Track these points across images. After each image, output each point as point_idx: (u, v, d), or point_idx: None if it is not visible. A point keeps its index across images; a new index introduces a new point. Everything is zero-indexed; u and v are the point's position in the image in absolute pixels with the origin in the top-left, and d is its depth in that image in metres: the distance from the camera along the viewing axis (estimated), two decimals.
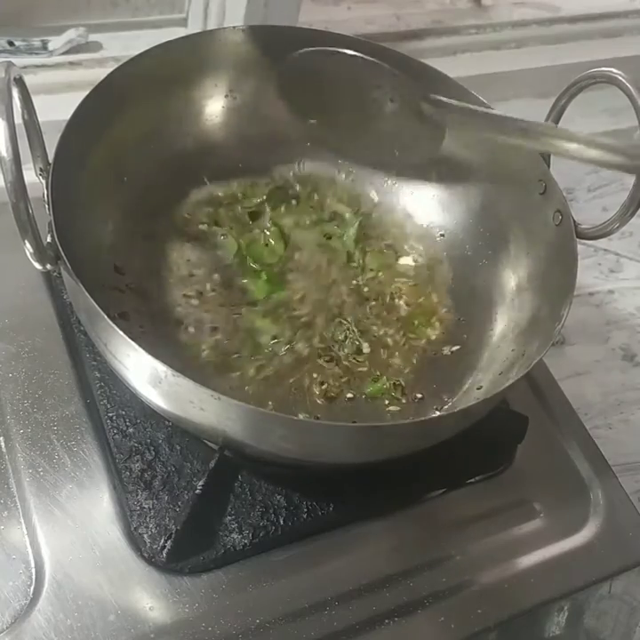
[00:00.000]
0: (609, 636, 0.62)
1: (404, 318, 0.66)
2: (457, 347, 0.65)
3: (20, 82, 0.48)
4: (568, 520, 0.63)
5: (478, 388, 0.61)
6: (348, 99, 0.68)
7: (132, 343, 0.45)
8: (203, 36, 0.65)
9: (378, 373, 0.63)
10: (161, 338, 0.61)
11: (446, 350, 0.65)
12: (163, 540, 0.54)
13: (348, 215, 0.71)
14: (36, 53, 0.79)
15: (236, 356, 0.61)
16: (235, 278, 0.66)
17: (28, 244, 0.45)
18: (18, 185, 0.43)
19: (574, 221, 0.58)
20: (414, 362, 0.64)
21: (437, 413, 0.61)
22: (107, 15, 0.83)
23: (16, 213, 0.44)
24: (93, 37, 0.82)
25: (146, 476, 0.57)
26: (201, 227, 0.68)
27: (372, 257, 0.70)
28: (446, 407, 0.62)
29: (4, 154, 0.43)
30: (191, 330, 0.62)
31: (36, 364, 0.60)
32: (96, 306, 0.46)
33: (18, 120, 0.45)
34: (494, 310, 0.65)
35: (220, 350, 0.61)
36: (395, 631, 0.54)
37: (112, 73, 0.58)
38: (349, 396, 0.61)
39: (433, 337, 0.66)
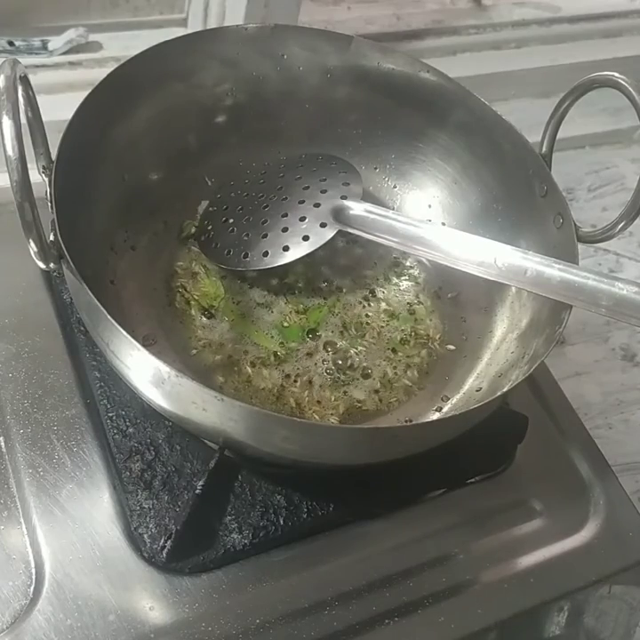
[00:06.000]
0: (609, 637, 0.63)
1: (404, 320, 0.66)
2: (456, 348, 0.65)
3: (24, 80, 0.48)
4: (568, 520, 0.63)
5: (477, 390, 0.61)
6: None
7: (135, 343, 0.45)
8: (203, 35, 0.65)
9: (377, 375, 0.63)
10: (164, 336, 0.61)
11: (446, 352, 0.65)
12: (163, 540, 0.54)
13: None
14: (36, 53, 0.79)
15: (240, 356, 0.61)
16: (242, 281, 0.66)
17: (32, 244, 0.45)
18: (23, 184, 0.43)
19: (575, 224, 0.58)
20: (414, 363, 0.64)
21: (437, 416, 0.61)
22: (107, 15, 0.83)
23: (21, 213, 0.44)
24: (93, 37, 0.82)
25: (146, 475, 0.56)
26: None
27: None
28: (446, 409, 0.62)
29: (11, 153, 0.43)
30: (195, 327, 0.62)
31: (36, 364, 0.60)
32: (99, 305, 0.46)
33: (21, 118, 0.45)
34: (494, 312, 0.65)
35: (225, 351, 0.61)
36: (395, 631, 0.54)
37: (113, 72, 0.58)
38: (352, 397, 0.61)
39: (433, 339, 0.66)
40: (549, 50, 1.11)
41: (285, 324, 0.64)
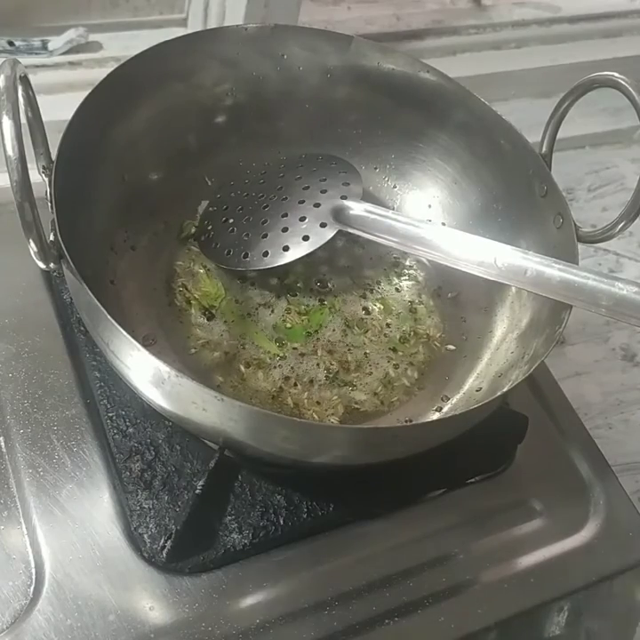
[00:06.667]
0: (609, 637, 0.63)
1: (404, 319, 0.66)
2: (456, 348, 0.65)
3: (24, 80, 0.48)
4: (568, 520, 0.63)
5: (477, 390, 0.61)
6: None
7: (135, 343, 0.45)
8: (203, 35, 0.65)
9: (378, 375, 0.63)
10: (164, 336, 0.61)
11: (446, 352, 0.65)
12: (163, 540, 0.54)
13: None
14: (37, 53, 0.79)
15: (239, 356, 0.61)
16: (242, 281, 0.66)
17: (32, 244, 0.45)
18: (23, 184, 0.43)
19: (575, 224, 0.58)
20: (414, 363, 0.64)
21: (437, 416, 0.61)
22: (107, 15, 0.83)
23: (21, 213, 0.44)
24: (93, 37, 0.82)
25: (146, 475, 0.56)
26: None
27: None
28: (446, 409, 0.62)
29: (11, 153, 0.43)
30: (195, 327, 0.62)
31: (36, 364, 0.60)
32: (99, 305, 0.46)
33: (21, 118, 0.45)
34: (494, 312, 0.65)
35: (225, 351, 0.61)
36: (395, 631, 0.54)
37: (113, 72, 0.58)
38: (351, 397, 0.61)
39: (433, 338, 0.66)
40: (549, 50, 1.11)
41: (288, 325, 0.64)
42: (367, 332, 0.65)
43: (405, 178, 0.72)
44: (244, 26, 0.65)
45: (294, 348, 0.63)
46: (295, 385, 0.61)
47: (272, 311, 0.64)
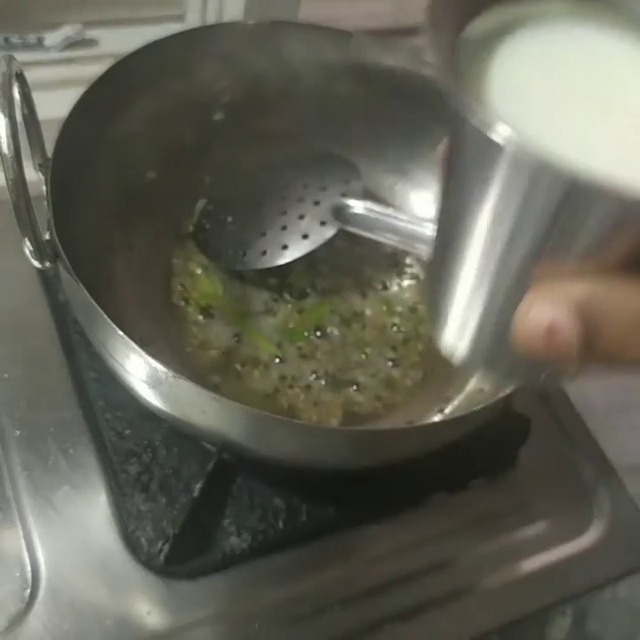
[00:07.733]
0: None
1: (406, 319, 0.66)
2: None
3: (20, 76, 0.47)
4: (571, 523, 0.62)
5: (480, 391, 0.60)
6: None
7: (132, 343, 0.44)
8: (201, 31, 0.64)
9: (378, 376, 0.62)
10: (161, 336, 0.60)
11: None
12: (160, 544, 0.53)
13: None
14: (32, 50, 0.79)
15: (236, 356, 0.61)
16: (240, 280, 0.65)
17: (27, 242, 0.45)
18: (19, 182, 0.43)
19: None
20: (415, 364, 0.63)
21: (439, 417, 0.60)
22: (103, 11, 0.82)
23: (17, 211, 0.44)
24: (90, 34, 0.82)
25: (143, 478, 0.56)
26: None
27: None
28: (448, 410, 0.61)
29: (6, 150, 0.43)
30: (193, 326, 0.62)
31: (31, 365, 0.60)
32: (95, 304, 0.45)
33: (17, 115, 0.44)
34: None
35: (222, 351, 0.61)
36: (396, 635, 0.54)
37: (110, 69, 0.58)
38: (352, 399, 0.61)
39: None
40: None
41: (289, 325, 0.63)
42: (368, 331, 0.64)
43: (406, 175, 0.71)
44: (242, 22, 0.64)
45: (294, 349, 0.62)
46: (291, 386, 0.60)
47: (270, 311, 0.64)
